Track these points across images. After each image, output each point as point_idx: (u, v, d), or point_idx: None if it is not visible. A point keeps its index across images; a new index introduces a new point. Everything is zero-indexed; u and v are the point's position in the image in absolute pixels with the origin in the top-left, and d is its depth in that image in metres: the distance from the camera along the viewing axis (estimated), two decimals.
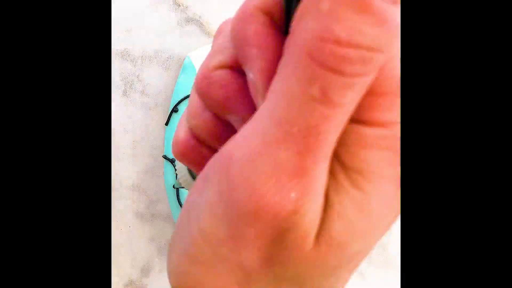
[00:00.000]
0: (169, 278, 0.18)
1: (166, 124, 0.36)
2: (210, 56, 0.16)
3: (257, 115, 0.14)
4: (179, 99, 0.35)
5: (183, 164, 0.20)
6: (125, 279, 0.37)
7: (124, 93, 0.37)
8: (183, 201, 0.35)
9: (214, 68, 0.16)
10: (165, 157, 0.36)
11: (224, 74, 0.16)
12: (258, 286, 0.16)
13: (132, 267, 0.37)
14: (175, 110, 0.35)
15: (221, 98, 0.16)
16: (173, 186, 0.35)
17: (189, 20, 0.37)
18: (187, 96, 0.35)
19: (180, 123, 0.19)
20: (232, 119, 0.16)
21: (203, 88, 0.16)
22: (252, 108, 0.16)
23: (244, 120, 0.16)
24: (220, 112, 0.17)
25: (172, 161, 0.35)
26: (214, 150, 0.18)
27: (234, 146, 0.14)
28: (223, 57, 0.16)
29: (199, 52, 0.36)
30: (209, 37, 0.37)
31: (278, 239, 0.14)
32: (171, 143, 0.36)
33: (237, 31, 0.15)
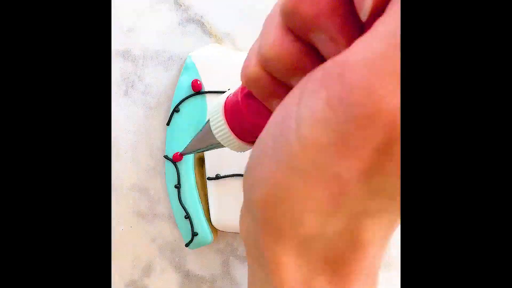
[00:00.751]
0: (254, 190, 0.17)
1: (167, 124, 0.36)
2: None
3: (378, 24, 0.14)
4: (180, 99, 0.35)
5: (252, 89, 0.19)
6: (127, 279, 0.37)
7: (125, 93, 0.37)
8: (184, 201, 0.35)
9: None
10: (166, 157, 0.36)
11: None
12: (349, 200, 0.16)
13: (133, 267, 0.37)
14: (176, 110, 0.35)
15: (311, 15, 0.16)
16: (181, 154, 0.33)
17: (190, 20, 0.37)
18: (189, 96, 0.35)
19: (248, 59, 0.19)
20: (318, 38, 0.16)
21: (292, 4, 0.16)
22: (342, 25, 0.16)
23: (332, 40, 0.16)
24: (305, 31, 0.16)
25: (173, 161, 0.35)
26: (284, 86, 0.18)
27: (350, 53, 0.14)
28: None
29: (200, 52, 0.36)
30: (210, 37, 0.37)
31: (386, 147, 0.14)
32: (172, 143, 0.36)
33: None
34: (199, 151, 0.27)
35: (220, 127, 0.22)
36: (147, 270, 0.37)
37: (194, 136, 0.27)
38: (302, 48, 0.17)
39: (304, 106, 0.15)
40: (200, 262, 0.37)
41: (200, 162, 0.36)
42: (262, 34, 0.18)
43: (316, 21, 0.16)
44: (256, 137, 0.20)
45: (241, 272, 0.37)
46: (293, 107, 0.16)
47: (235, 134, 0.22)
